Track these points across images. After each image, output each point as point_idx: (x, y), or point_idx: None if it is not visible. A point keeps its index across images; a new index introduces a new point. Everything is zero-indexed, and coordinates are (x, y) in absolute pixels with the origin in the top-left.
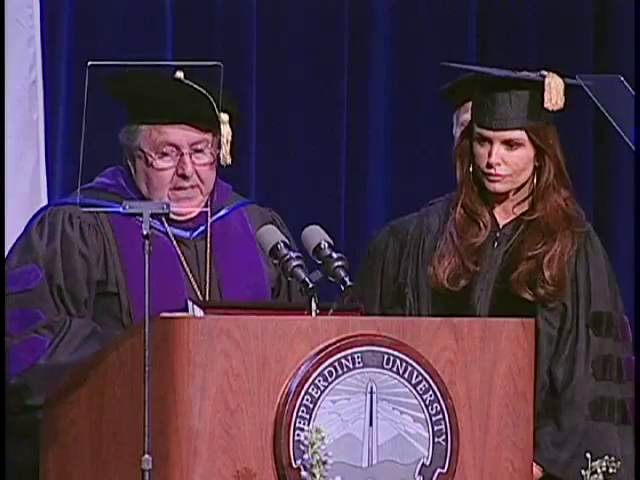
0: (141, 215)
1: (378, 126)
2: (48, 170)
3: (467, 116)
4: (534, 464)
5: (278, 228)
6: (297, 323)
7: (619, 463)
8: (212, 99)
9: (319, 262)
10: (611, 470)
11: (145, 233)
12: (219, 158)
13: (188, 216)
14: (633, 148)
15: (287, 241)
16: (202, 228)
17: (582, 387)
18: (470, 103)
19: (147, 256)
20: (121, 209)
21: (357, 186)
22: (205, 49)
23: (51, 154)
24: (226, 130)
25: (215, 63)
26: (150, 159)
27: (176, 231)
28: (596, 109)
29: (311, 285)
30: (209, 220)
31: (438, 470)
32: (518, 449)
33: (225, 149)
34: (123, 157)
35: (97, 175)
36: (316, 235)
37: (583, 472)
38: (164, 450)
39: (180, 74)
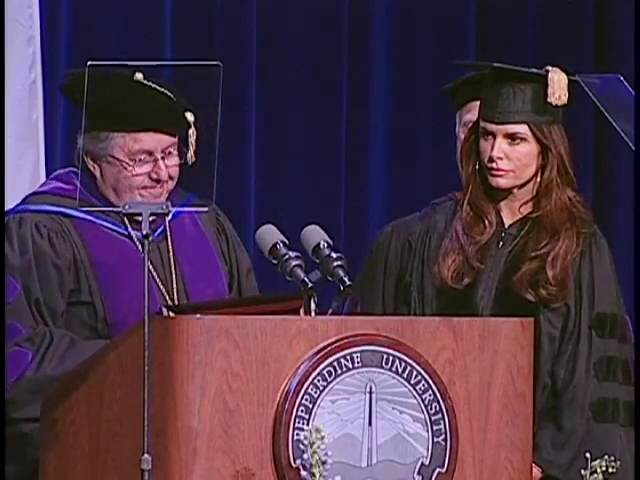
0: (140, 215)
1: (378, 126)
2: (47, 170)
3: (469, 116)
4: (534, 465)
5: (221, 222)
6: (296, 323)
7: (619, 463)
8: (176, 100)
9: (318, 262)
10: (611, 470)
11: (145, 233)
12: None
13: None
14: (633, 148)
15: (286, 240)
16: (161, 229)
17: (583, 388)
18: (472, 103)
19: (146, 256)
20: (120, 209)
21: (357, 186)
22: (205, 49)
23: (50, 154)
24: (192, 130)
25: (215, 63)
26: (128, 167)
27: (138, 233)
28: (596, 109)
29: (310, 285)
30: (167, 219)
31: (437, 470)
32: (517, 449)
33: (192, 150)
34: (78, 160)
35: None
36: (315, 235)
37: (583, 472)
38: (163, 450)
39: (140, 75)
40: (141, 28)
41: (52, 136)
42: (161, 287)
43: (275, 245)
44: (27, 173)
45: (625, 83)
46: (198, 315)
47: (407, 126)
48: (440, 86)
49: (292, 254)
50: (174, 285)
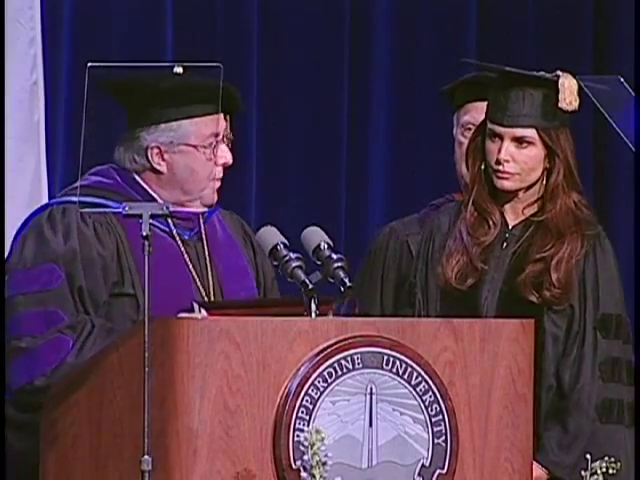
0: (141, 216)
1: (378, 126)
2: (49, 172)
3: (467, 117)
4: (540, 466)
5: (247, 231)
6: (297, 324)
7: (619, 464)
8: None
9: (319, 263)
10: (611, 471)
11: (145, 234)
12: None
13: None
14: (633, 148)
15: (287, 242)
16: (196, 229)
17: (589, 389)
18: (470, 104)
19: (147, 257)
20: (121, 210)
21: (357, 186)
22: (205, 50)
23: (52, 155)
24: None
25: (215, 64)
26: (207, 152)
27: (179, 231)
28: (596, 109)
29: (311, 286)
30: (201, 221)
31: (438, 471)
32: (518, 450)
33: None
34: (145, 155)
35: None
36: (316, 236)
37: (583, 473)
38: (164, 451)
39: (179, 69)
40: (142, 29)
41: (53, 138)
42: (198, 284)
43: (276, 246)
44: (28, 175)
45: (625, 84)
46: (199, 317)
47: (407, 126)
48: (440, 86)
49: (293, 255)
50: (210, 282)
